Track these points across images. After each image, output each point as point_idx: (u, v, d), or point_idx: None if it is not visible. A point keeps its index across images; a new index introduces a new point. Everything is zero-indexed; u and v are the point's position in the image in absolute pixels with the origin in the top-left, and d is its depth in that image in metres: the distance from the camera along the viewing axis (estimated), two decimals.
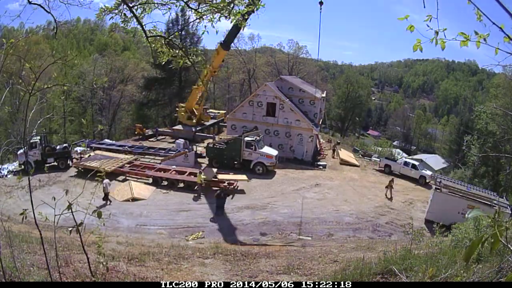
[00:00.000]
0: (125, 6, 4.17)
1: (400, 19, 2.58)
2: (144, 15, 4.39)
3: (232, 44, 34.87)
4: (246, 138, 25.65)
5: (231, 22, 4.39)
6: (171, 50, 4.61)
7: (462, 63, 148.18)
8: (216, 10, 4.17)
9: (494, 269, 4.62)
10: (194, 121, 34.73)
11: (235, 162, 25.64)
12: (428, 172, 28.80)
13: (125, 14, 4.27)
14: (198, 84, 32.30)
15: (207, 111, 38.97)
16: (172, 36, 4.83)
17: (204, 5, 4.24)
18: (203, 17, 4.30)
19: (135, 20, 4.29)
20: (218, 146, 26.40)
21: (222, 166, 25.11)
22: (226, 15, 4.19)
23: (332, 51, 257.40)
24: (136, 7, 4.30)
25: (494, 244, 1.66)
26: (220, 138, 30.28)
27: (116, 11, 4.26)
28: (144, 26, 4.36)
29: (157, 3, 4.38)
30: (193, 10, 4.35)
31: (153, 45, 4.62)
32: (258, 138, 26.29)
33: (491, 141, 32.68)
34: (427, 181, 27.07)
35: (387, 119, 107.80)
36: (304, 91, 31.84)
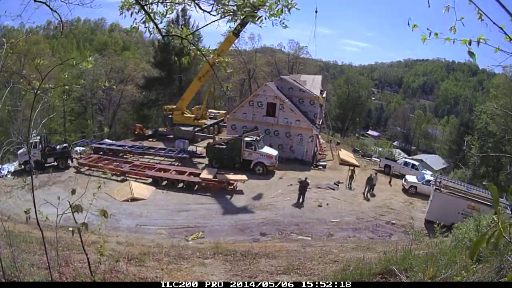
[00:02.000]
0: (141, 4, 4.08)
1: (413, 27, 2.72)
2: (168, 13, 4.31)
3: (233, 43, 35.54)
4: (246, 138, 25.64)
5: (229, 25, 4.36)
6: (189, 50, 4.56)
7: (462, 63, 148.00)
8: (227, 13, 4.10)
9: (494, 269, 4.62)
10: (189, 115, 34.70)
11: (235, 163, 25.64)
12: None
13: (146, 12, 4.19)
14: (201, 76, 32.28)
15: (208, 110, 39.04)
16: (189, 35, 4.78)
17: (219, 6, 4.15)
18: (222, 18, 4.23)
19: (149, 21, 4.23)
20: (218, 146, 26.41)
21: (222, 166, 25.10)
22: (235, 18, 4.13)
23: (333, 50, 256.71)
24: (155, 4, 4.22)
25: (497, 239, 1.66)
26: (220, 138, 30.28)
27: (138, 7, 4.18)
28: (158, 25, 4.31)
29: (172, 2, 4.30)
30: (204, 12, 4.28)
31: (172, 42, 4.60)
32: (258, 138, 26.29)
33: (491, 141, 32.69)
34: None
35: (387, 119, 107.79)
36: (304, 91, 31.84)
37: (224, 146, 26.11)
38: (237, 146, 25.44)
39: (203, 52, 4.51)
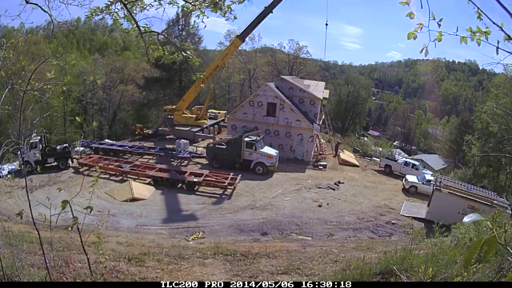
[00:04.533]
0: (117, 6, 4.16)
1: (402, 3, 2.47)
2: (141, 11, 4.39)
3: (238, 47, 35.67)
4: (246, 138, 25.62)
5: (221, 15, 4.43)
6: (162, 46, 4.64)
7: (462, 63, 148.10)
8: (204, 4, 4.20)
9: (494, 269, 4.61)
10: (189, 115, 34.76)
11: (236, 163, 25.61)
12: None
13: (117, 13, 4.26)
14: (201, 77, 32.38)
15: (208, 111, 39.04)
16: (164, 32, 4.84)
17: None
18: (192, 12, 4.35)
19: (125, 19, 4.30)
20: (218, 146, 26.39)
21: (223, 166, 25.09)
22: (210, 9, 4.22)
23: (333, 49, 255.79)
24: (133, 4, 4.30)
25: (492, 246, 1.65)
26: (220, 138, 30.26)
27: (107, 10, 4.27)
28: (138, 22, 4.37)
29: None
30: (181, 5, 4.37)
31: (146, 42, 4.67)
32: (258, 138, 26.27)
33: (492, 141, 32.65)
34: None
35: (387, 119, 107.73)
36: (304, 91, 31.83)
37: (224, 146, 26.09)
38: (237, 146, 25.41)
39: (183, 49, 4.59)
